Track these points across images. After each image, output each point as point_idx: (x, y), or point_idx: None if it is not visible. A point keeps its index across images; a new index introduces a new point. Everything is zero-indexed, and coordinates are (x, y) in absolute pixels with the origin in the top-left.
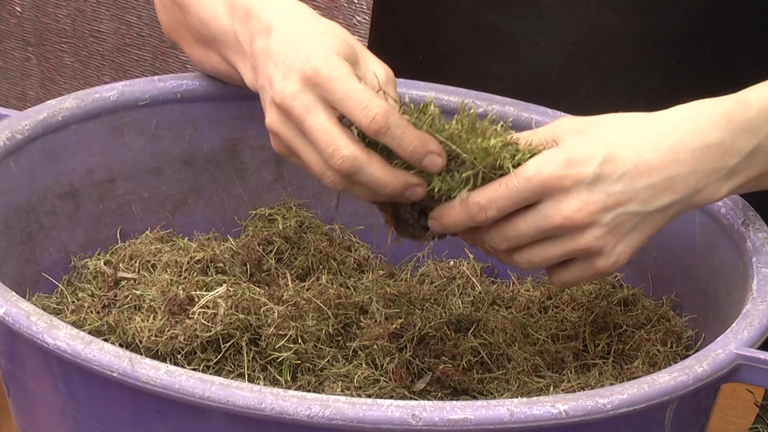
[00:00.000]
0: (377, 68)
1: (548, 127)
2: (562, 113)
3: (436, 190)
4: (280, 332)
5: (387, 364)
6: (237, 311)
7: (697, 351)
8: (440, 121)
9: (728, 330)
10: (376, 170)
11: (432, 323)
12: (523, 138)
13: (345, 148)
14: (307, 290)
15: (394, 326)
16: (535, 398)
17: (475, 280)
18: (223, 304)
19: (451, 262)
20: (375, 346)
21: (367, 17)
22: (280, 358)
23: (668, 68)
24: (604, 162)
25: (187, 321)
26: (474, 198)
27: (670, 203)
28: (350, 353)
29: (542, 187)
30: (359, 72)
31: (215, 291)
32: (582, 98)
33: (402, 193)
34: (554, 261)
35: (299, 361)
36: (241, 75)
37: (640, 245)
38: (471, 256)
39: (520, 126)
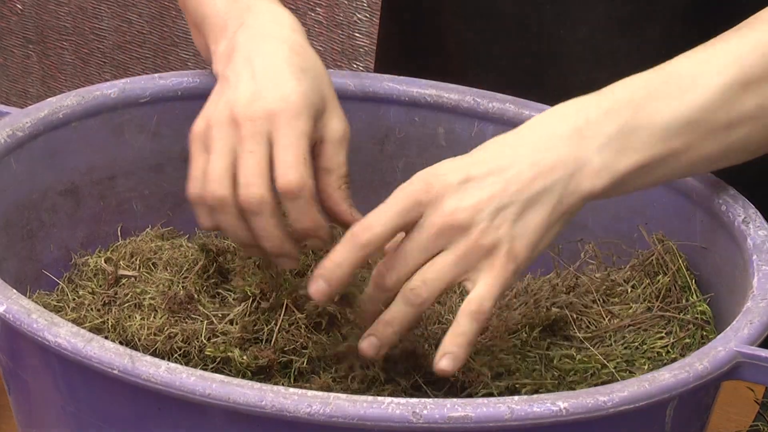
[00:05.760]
0: (337, 125)
1: None
2: None
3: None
4: (291, 337)
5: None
6: (247, 332)
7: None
8: None
9: (729, 328)
10: (274, 223)
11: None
12: None
13: (261, 186)
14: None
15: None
16: (535, 396)
17: None
18: (236, 328)
19: None
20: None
21: (368, 14)
22: (287, 362)
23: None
24: (469, 165)
25: (191, 326)
26: (355, 227)
27: (544, 189)
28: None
29: (413, 200)
30: (320, 123)
31: (232, 313)
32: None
33: (277, 254)
34: (449, 273)
35: (308, 366)
36: (212, 56)
37: (534, 236)
38: None
39: (520, 124)
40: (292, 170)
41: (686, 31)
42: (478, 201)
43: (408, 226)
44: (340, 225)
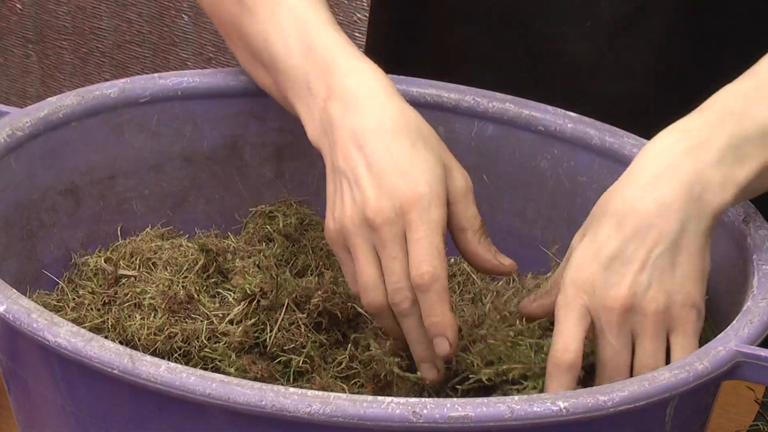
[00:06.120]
0: (460, 182)
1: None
2: (564, 110)
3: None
4: (291, 337)
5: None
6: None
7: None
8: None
9: (729, 327)
10: (418, 325)
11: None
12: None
13: (409, 291)
14: (305, 286)
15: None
16: (535, 395)
17: (475, 277)
18: (238, 330)
19: (452, 260)
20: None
21: (367, 14)
22: (286, 361)
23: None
24: (601, 246)
25: (191, 326)
26: (554, 357)
27: (681, 223)
28: (353, 363)
29: (577, 307)
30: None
31: (232, 312)
32: (603, 93)
33: (424, 359)
34: (658, 355)
35: (308, 365)
36: (301, 120)
37: (696, 270)
38: None
39: (520, 124)
40: (424, 264)
41: (688, 28)
42: (631, 277)
43: (590, 328)
44: (495, 274)
